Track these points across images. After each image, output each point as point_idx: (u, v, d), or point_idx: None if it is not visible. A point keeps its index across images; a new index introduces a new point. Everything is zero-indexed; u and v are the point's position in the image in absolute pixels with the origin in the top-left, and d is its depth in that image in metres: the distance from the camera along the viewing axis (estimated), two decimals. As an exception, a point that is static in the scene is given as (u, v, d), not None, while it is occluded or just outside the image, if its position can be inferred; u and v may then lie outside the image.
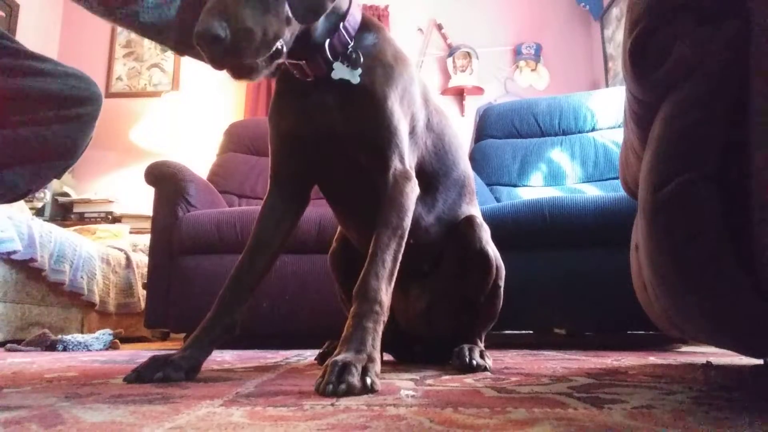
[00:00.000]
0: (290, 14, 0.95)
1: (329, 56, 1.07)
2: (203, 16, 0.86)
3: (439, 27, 4.58)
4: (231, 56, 0.88)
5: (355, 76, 1.08)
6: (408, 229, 1.06)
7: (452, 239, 1.33)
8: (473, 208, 1.41)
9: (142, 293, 3.19)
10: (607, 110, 2.96)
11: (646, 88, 0.81)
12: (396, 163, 1.09)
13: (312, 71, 1.09)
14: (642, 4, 0.77)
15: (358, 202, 1.23)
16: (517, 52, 4.52)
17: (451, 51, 4.49)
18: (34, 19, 4.23)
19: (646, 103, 0.82)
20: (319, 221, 2.24)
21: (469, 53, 4.46)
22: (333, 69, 1.08)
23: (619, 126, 2.83)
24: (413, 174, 1.13)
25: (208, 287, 1.96)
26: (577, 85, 4.34)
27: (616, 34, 4.04)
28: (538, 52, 4.50)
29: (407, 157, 1.12)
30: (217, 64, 0.90)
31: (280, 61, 0.98)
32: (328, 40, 1.07)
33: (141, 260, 3.32)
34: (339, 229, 1.44)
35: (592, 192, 2.64)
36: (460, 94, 4.50)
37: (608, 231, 1.93)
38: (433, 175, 1.29)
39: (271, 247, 1.18)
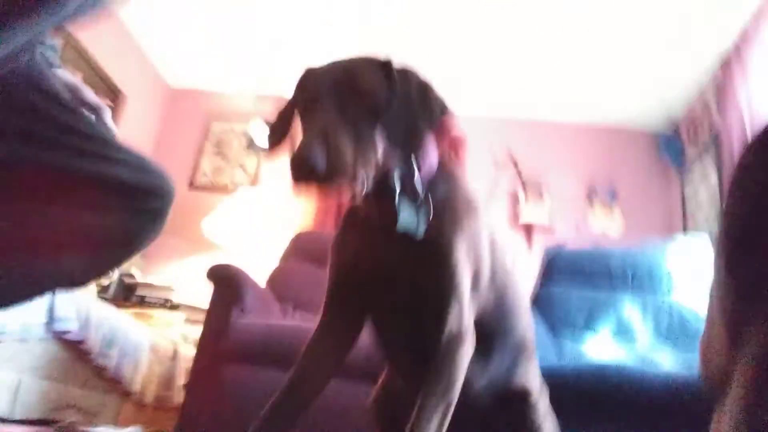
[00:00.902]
0: (379, 151, 0.95)
1: (397, 204, 1.05)
2: (306, 140, 0.87)
3: (514, 161, 4.64)
4: (320, 183, 0.87)
5: (420, 230, 1.05)
6: (456, 398, 0.99)
7: (503, 413, 1.23)
8: (531, 376, 1.30)
9: (180, 386, 3.14)
10: (685, 269, 2.80)
11: (741, 282, 0.72)
12: (453, 323, 1.03)
13: (379, 214, 1.08)
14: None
15: (407, 345, 1.16)
16: (592, 194, 4.48)
17: (524, 186, 4.51)
18: (139, 110, 4.62)
19: (740, 300, 0.73)
20: (369, 344, 2.16)
21: (541, 190, 4.46)
22: (399, 219, 1.05)
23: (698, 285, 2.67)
24: (469, 335, 1.06)
25: (246, 401, 1.89)
26: (652, 233, 4.21)
27: (699, 192, 3.94)
28: (613, 197, 4.44)
29: (465, 316, 1.06)
30: (303, 186, 0.89)
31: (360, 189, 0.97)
32: (399, 186, 1.05)
33: (189, 353, 3.29)
34: (384, 373, 1.37)
35: (664, 359, 2.43)
36: (529, 230, 4.44)
37: (678, 415, 1.73)
38: (489, 336, 1.20)
39: (314, 381, 1.14)
